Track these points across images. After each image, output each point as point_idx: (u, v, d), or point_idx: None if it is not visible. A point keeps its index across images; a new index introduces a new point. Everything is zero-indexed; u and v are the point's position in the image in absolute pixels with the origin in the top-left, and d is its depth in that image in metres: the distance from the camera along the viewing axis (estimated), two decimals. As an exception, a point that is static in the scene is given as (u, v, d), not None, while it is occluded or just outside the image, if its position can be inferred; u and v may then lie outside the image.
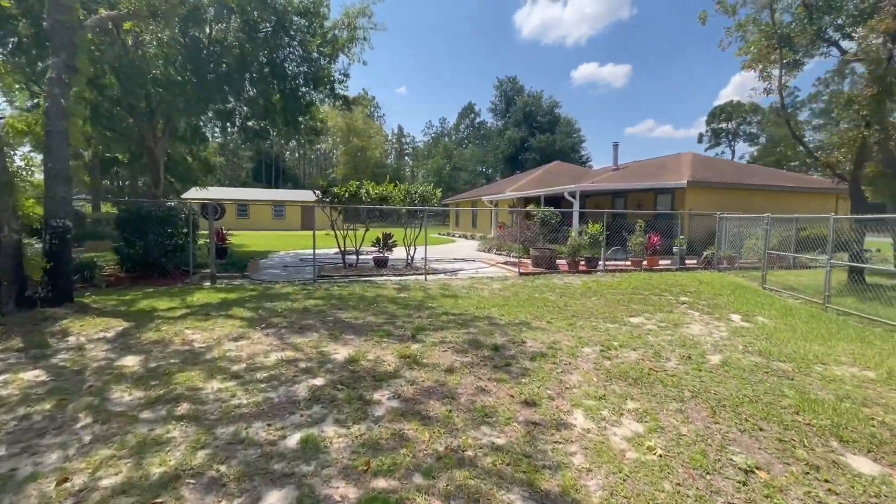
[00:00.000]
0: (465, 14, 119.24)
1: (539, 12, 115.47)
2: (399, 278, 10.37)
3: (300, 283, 9.49)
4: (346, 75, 14.92)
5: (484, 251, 17.69)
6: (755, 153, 71.10)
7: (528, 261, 12.10)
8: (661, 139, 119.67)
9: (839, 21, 11.40)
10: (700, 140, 79.60)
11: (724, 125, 77.10)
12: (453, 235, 33.84)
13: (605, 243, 11.53)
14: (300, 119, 15.09)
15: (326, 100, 15.47)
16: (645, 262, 12.18)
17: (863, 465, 2.88)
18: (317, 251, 10.52)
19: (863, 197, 10.01)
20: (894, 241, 11.70)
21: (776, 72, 11.41)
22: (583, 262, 11.64)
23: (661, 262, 12.63)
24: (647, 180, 18.56)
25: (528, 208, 15.65)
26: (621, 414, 3.53)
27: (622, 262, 12.63)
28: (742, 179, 18.79)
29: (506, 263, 12.80)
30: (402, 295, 8.30)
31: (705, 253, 12.87)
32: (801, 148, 11.16)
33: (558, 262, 11.83)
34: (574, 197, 15.77)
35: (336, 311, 6.88)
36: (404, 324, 6.11)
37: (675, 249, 12.77)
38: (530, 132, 56.34)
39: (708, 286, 9.83)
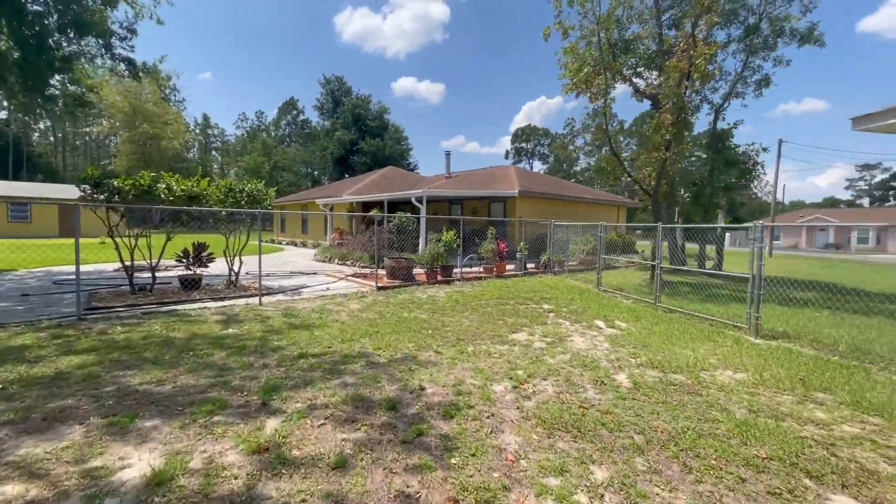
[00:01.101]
0: (280, 3, 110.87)
1: (359, 20, 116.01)
2: (221, 304, 7.83)
3: (52, 324, 6.15)
4: (132, 31, 11.12)
5: (324, 261, 15.63)
6: (546, 170, 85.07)
7: (383, 272, 10.83)
8: (470, 153, 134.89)
9: (633, 61, 13.55)
10: (507, 156, 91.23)
11: (524, 145, 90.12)
12: (279, 243, 30.07)
13: (461, 251, 11.11)
14: (51, 82, 10.56)
15: (101, 59, 11.25)
16: (494, 269, 12.26)
17: (850, 507, 2.58)
18: (86, 268, 7.12)
19: (660, 208, 11.97)
20: (669, 245, 14.41)
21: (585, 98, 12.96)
22: (439, 272, 10.98)
23: (507, 267, 12.93)
24: (481, 188, 19.37)
25: (372, 213, 14.36)
26: (601, 497, 2.61)
27: (475, 270, 12.50)
28: (560, 191, 21.32)
29: (356, 276, 11.26)
30: (231, 331, 6.04)
31: (543, 257, 13.76)
32: (619, 165, 12.86)
33: (415, 272, 10.90)
34: (421, 202, 15.18)
35: (121, 371, 4.36)
36: (245, 383, 4.14)
37: (517, 255, 13.27)
38: (360, 135, 54.94)
39: (558, 291, 10.25)
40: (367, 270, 11.99)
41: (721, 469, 2.91)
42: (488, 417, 3.60)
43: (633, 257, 18.95)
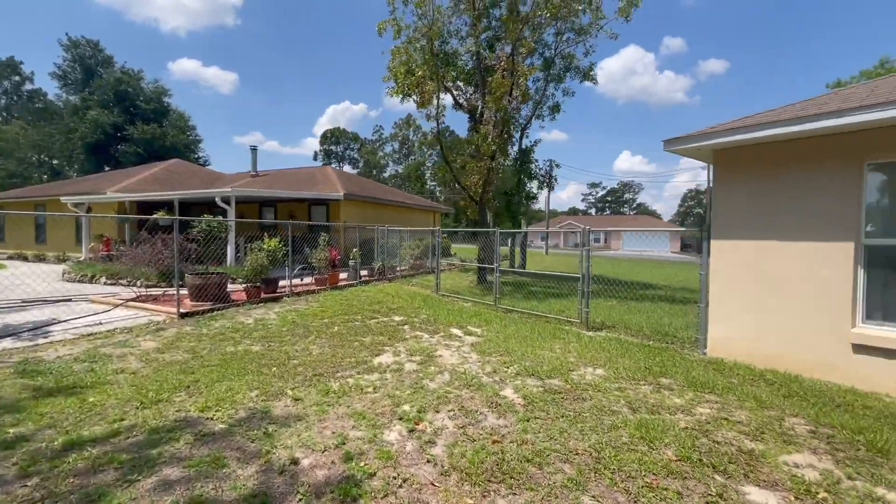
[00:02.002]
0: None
1: None
2: None
3: None
4: None
5: (82, 281, 11.41)
6: (358, 174, 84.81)
7: (184, 292, 8.36)
8: (270, 152, 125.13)
9: (453, 73, 14.21)
10: (315, 158, 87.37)
11: (333, 147, 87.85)
12: (-4, 256, 21.24)
13: (291, 261, 9.49)
14: None
15: None
16: (328, 280, 11.01)
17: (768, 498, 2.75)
18: None
19: (485, 214, 12.78)
20: (479, 249, 15.59)
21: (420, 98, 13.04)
22: (262, 288, 9.15)
23: (340, 276, 11.81)
24: (298, 189, 17.51)
25: (157, 215, 11.14)
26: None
27: (305, 282, 10.95)
28: (383, 195, 21.01)
29: (140, 300, 8.41)
30: None
31: (376, 264, 13.12)
32: (450, 171, 13.17)
33: (229, 288, 8.78)
34: (228, 203, 12.61)
35: None
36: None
37: (350, 263, 12.31)
38: (128, 118, 43.76)
39: (402, 299, 9.76)
40: (159, 291, 9.17)
41: (657, 486, 2.80)
42: (401, 487, 2.75)
43: (453, 260, 20.12)
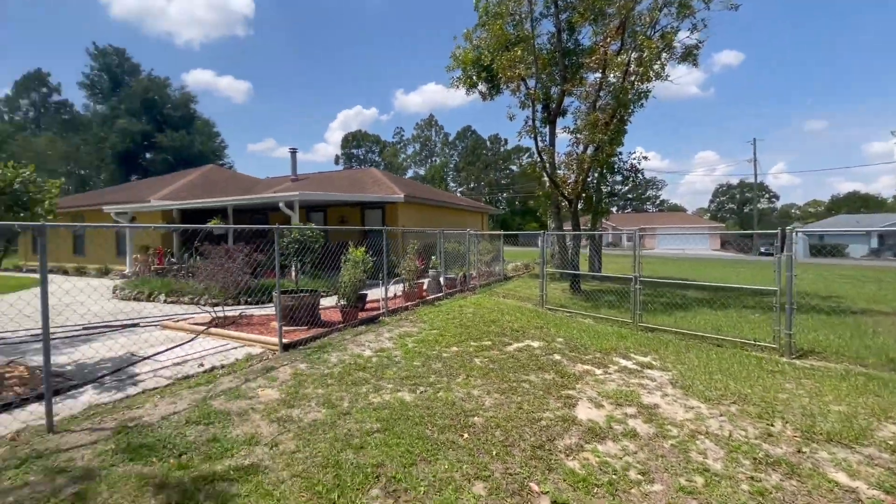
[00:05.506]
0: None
1: None
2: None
3: None
4: None
5: (140, 299, 10.22)
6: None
7: (268, 311, 7.01)
8: (281, 159, 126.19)
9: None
10: (337, 161, 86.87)
11: (353, 151, 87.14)
12: (28, 271, 20.41)
13: (385, 274, 8.07)
14: None
15: None
16: (417, 293, 9.60)
17: None
18: None
19: (577, 214, 11.25)
20: (561, 251, 14.10)
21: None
22: (358, 307, 7.79)
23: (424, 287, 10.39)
24: (346, 193, 16.20)
25: (212, 224, 9.90)
26: None
27: (390, 296, 9.57)
28: (437, 197, 19.64)
29: (221, 324, 7.09)
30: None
31: (457, 273, 11.68)
32: (543, 169, 11.64)
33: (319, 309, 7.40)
34: (292, 208, 11.32)
35: None
36: None
37: (431, 272, 10.89)
38: (156, 126, 43.33)
39: (511, 316, 8.29)
40: (234, 313, 7.85)
41: None
42: None
43: (514, 264, 18.52)
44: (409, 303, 9.07)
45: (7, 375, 4.77)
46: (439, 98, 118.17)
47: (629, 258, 10.18)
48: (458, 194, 64.15)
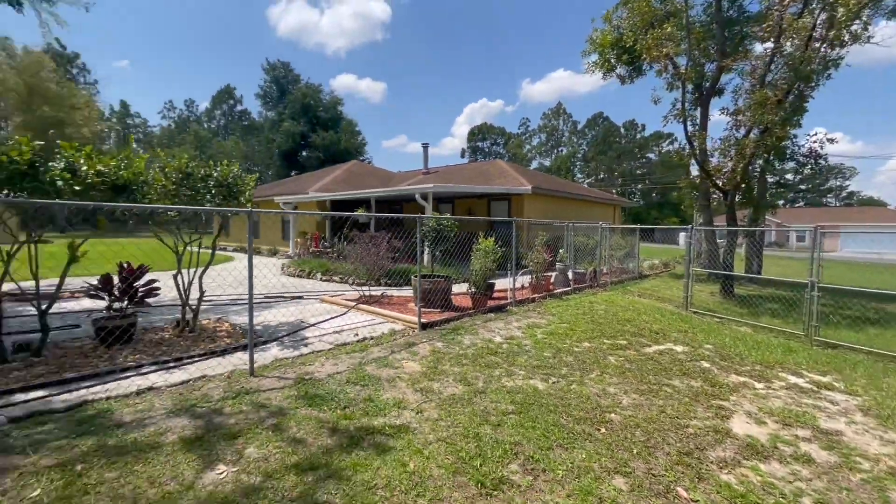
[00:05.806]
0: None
1: (295, 13, 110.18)
2: (179, 381, 4.35)
3: None
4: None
5: (300, 276, 12.09)
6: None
7: (401, 293, 7.67)
8: (411, 154, 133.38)
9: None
10: (462, 154, 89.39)
11: (479, 144, 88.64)
12: (225, 250, 25.38)
13: (513, 265, 8.21)
14: None
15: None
16: (545, 286, 9.52)
17: None
18: None
19: (734, 208, 9.85)
20: (709, 249, 12.45)
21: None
22: (488, 295, 8.08)
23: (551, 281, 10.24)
24: (473, 184, 16.58)
25: (358, 213, 11.09)
26: None
27: (517, 286, 9.68)
28: (565, 189, 19.07)
29: (367, 301, 8.01)
30: (215, 475, 2.77)
31: (587, 267, 11.24)
32: (692, 157, 10.57)
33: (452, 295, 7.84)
34: (427, 200, 12.11)
35: None
36: None
37: (559, 265, 10.64)
38: (311, 127, 49.93)
39: (649, 316, 7.71)
40: (377, 292, 8.77)
41: None
42: None
43: (651, 262, 17.02)
44: (535, 294, 9.04)
45: (218, 330, 6.10)
46: (566, 84, 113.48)
47: (799, 261, 8.63)
48: (585, 185, 61.00)
